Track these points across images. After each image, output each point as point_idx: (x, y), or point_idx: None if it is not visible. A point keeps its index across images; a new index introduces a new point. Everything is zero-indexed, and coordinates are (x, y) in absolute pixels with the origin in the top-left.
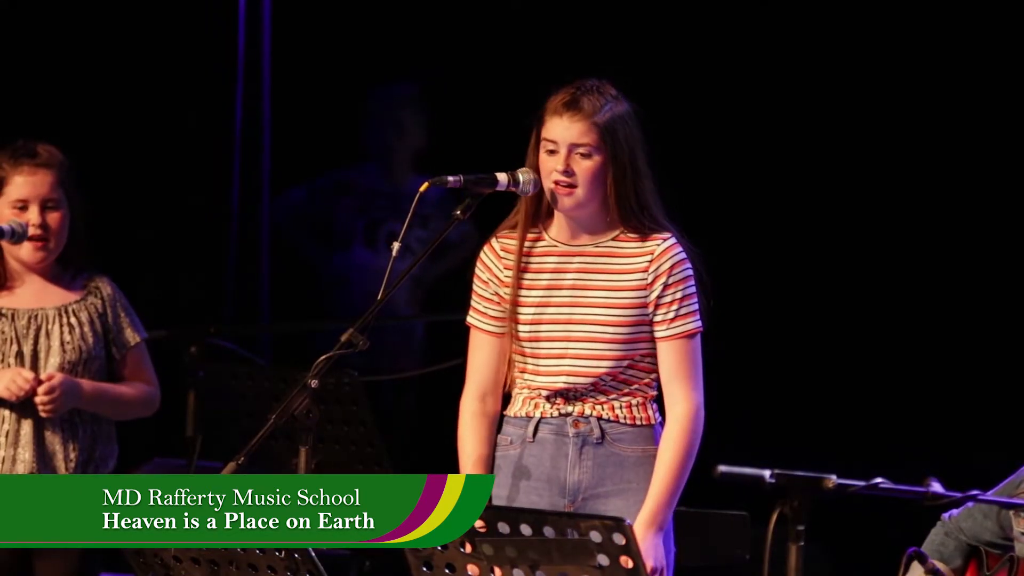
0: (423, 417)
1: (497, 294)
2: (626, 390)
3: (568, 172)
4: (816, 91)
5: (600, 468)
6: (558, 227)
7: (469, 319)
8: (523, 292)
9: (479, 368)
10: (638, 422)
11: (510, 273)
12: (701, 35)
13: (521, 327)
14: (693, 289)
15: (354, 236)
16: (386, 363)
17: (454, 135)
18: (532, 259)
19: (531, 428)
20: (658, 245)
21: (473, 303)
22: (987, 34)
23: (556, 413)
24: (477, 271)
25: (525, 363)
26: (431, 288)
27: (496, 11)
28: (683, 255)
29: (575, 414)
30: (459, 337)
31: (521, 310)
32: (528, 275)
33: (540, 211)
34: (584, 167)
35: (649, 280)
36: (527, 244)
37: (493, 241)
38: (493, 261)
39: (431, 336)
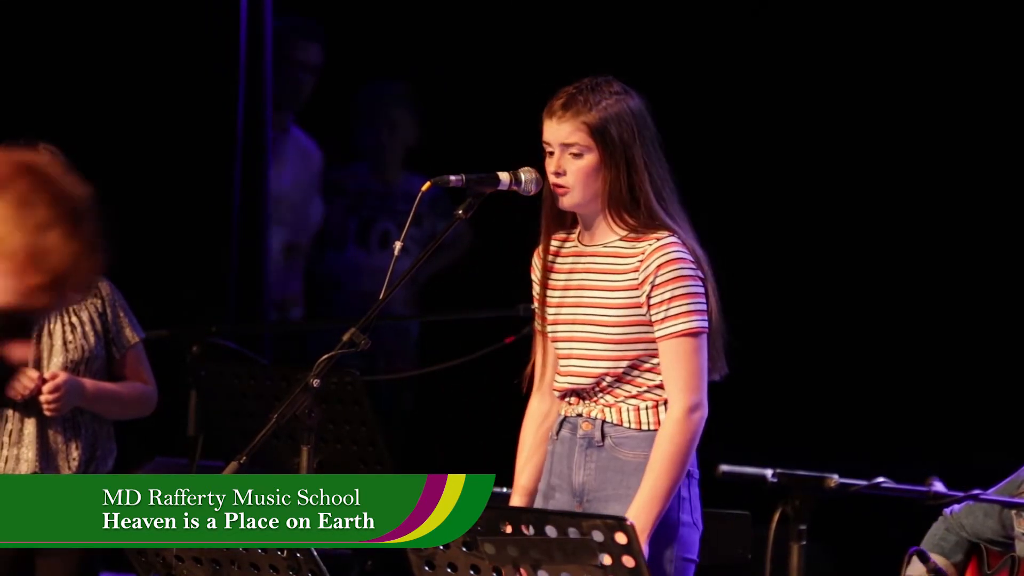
0: (420, 417)
1: (537, 294)
2: (634, 392)
3: (559, 172)
4: (820, 92)
5: (602, 472)
6: (580, 229)
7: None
8: (548, 292)
9: (537, 367)
10: (644, 427)
11: (541, 274)
12: (704, 33)
13: (548, 327)
14: (687, 288)
15: (347, 236)
16: (382, 363)
17: (445, 132)
18: (558, 260)
19: (556, 426)
20: (650, 245)
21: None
22: (987, 34)
23: (573, 413)
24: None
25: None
26: (424, 286)
27: (490, 7)
28: (677, 254)
29: (585, 415)
30: (455, 337)
31: (547, 310)
32: (552, 276)
33: (564, 212)
34: (576, 167)
35: (639, 280)
36: (557, 244)
37: (541, 243)
38: (536, 262)
39: (427, 336)
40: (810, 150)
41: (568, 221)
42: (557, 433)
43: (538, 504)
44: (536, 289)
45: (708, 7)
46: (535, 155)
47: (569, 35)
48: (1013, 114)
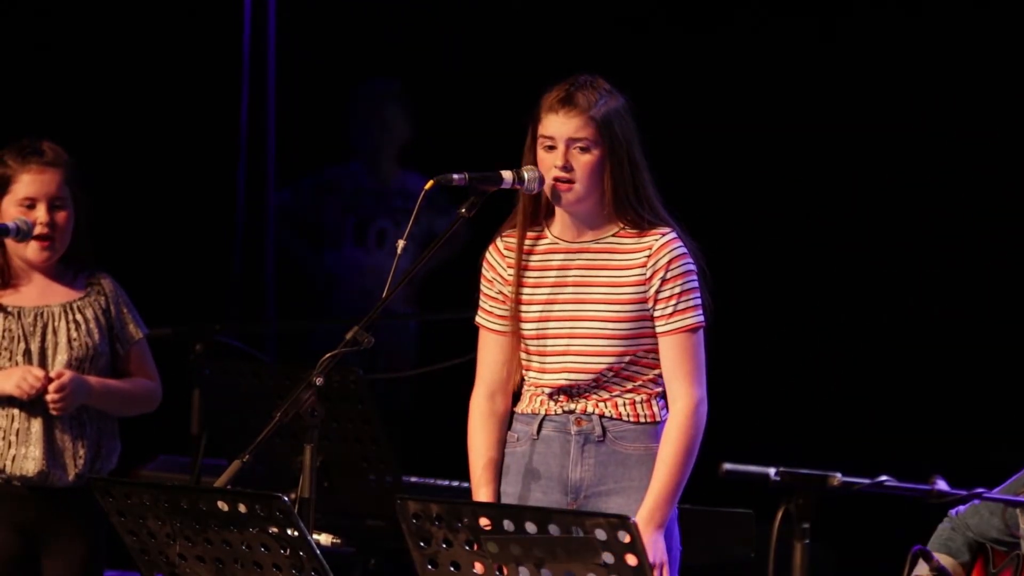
0: (419, 415)
1: (502, 292)
2: (629, 386)
3: (567, 167)
4: (814, 92)
5: (602, 466)
6: (560, 224)
7: (477, 319)
8: (525, 290)
9: (487, 367)
10: (642, 419)
11: (512, 271)
12: (693, 29)
13: (525, 325)
14: (693, 284)
15: (344, 235)
16: (383, 361)
17: (439, 129)
18: (534, 257)
19: (536, 425)
20: (656, 240)
21: (480, 302)
22: (987, 34)
23: (560, 410)
24: (483, 270)
25: (530, 361)
26: (421, 284)
27: (482, 5)
28: (682, 250)
29: (578, 411)
30: (454, 335)
31: (524, 308)
32: (530, 273)
33: (539, 209)
34: (583, 161)
35: (647, 275)
36: (529, 242)
37: (498, 240)
38: (497, 260)
39: (425, 333)
40: (822, 147)
41: (540, 218)
42: (538, 432)
43: None
44: (495, 288)
45: (698, 7)
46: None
47: (560, 33)
48: (1013, 114)
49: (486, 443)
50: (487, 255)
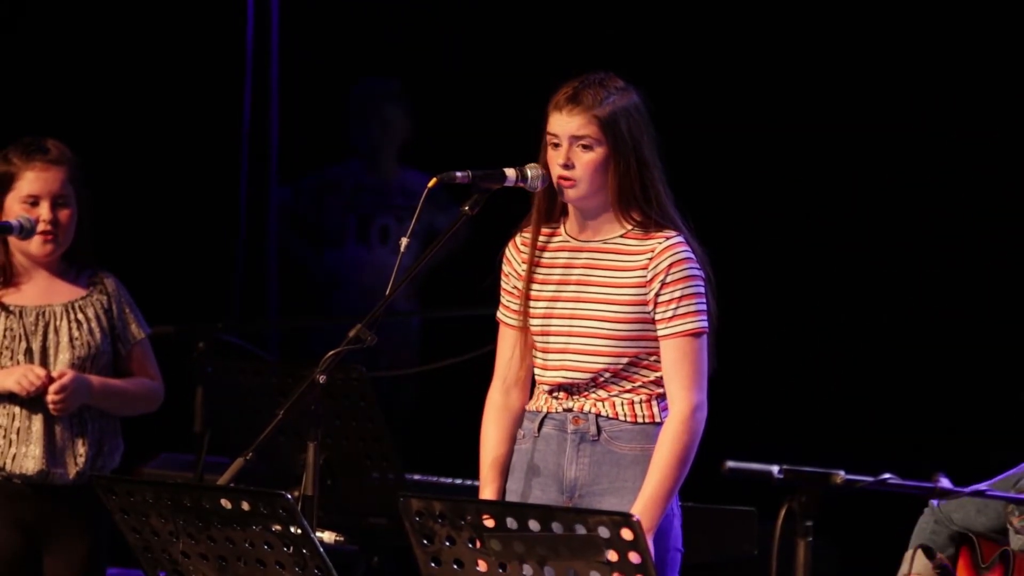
0: (421, 412)
1: (516, 287)
2: (629, 387)
3: (568, 165)
4: (815, 92)
5: (597, 466)
6: (572, 222)
7: (498, 313)
8: (534, 286)
9: (504, 361)
10: (639, 420)
11: (525, 267)
12: (694, 31)
13: (532, 321)
14: (695, 288)
15: (346, 233)
16: (384, 359)
17: (438, 127)
18: (546, 254)
19: (538, 423)
20: (659, 243)
21: (501, 297)
22: (987, 34)
23: (559, 408)
24: (503, 265)
25: (536, 357)
26: (423, 281)
27: (482, 4)
28: (686, 254)
29: (575, 410)
30: (456, 333)
31: (532, 304)
32: (540, 269)
33: (555, 206)
34: (585, 160)
35: (648, 278)
36: (543, 239)
37: (517, 236)
38: (513, 255)
39: (428, 331)
40: (823, 146)
41: (556, 216)
42: (539, 430)
43: None
44: (511, 282)
45: (700, 5)
46: (529, 149)
47: (559, 32)
48: (1013, 114)
49: (495, 439)
50: (506, 250)
